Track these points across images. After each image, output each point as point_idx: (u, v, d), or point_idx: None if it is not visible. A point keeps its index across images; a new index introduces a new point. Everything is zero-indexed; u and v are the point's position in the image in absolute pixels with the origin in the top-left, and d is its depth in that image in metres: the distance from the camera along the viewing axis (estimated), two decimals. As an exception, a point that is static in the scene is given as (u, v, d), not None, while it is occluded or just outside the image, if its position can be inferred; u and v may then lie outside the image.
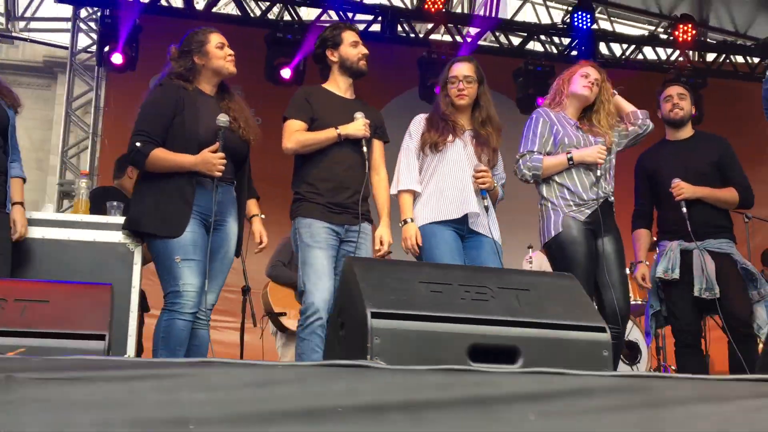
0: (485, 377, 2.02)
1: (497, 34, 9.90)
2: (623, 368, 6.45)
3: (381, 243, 4.51)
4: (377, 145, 4.64)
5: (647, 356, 6.41)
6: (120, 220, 4.38)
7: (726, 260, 4.83)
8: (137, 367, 1.95)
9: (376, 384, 1.96)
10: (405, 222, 4.57)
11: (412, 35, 9.51)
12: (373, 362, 2.13)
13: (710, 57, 10.36)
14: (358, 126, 4.46)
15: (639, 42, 10.09)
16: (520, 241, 7.71)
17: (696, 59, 10.16)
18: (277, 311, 6.57)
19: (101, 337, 2.71)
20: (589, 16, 9.36)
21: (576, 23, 9.37)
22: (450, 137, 4.57)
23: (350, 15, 9.53)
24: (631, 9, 11.09)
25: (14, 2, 10.23)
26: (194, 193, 4.07)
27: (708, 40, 10.44)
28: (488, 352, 2.31)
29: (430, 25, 10.08)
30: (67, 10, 10.02)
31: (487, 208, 4.49)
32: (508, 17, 10.81)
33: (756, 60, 10.26)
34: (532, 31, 9.76)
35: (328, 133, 4.44)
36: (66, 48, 9.59)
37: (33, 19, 10.65)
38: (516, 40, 9.92)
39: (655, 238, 5.17)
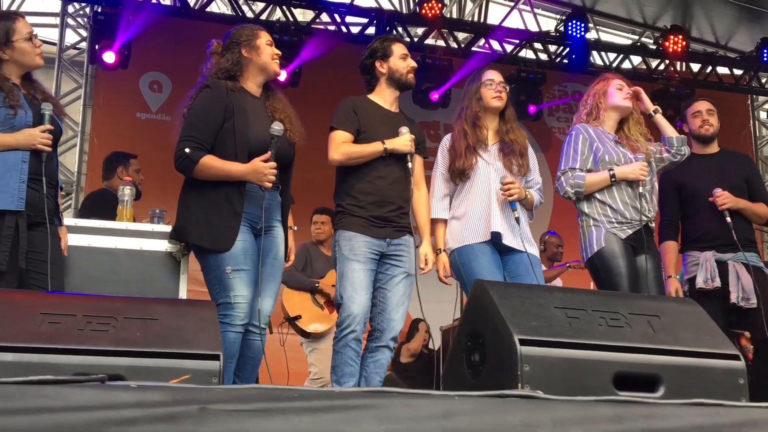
0: (654, 409, 2.04)
1: (490, 40, 9.94)
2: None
3: (425, 262, 4.55)
4: (418, 161, 4.67)
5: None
6: (166, 228, 4.32)
7: (758, 273, 4.92)
8: (321, 398, 1.93)
9: (552, 415, 1.97)
10: (437, 252, 4.65)
11: (407, 39, 9.50)
12: (541, 393, 2.14)
13: (695, 67, 10.53)
14: (405, 141, 4.47)
15: (630, 51, 10.21)
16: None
17: (682, 69, 10.33)
18: (293, 315, 6.55)
19: (215, 357, 2.67)
20: (583, 25, 9.46)
21: (570, 32, 9.46)
22: (474, 161, 4.60)
23: (345, 18, 9.49)
24: (616, 18, 11.23)
25: (-3, -5, 9.99)
26: (243, 203, 4.00)
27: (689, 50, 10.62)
28: (629, 380, 2.34)
29: (420, 30, 10.09)
30: (55, 4, 9.82)
31: (518, 220, 4.53)
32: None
33: (739, 72, 10.45)
34: (526, 38, 9.81)
35: (375, 147, 4.44)
36: (53, 44, 9.38)
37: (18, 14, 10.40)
38: (508, 48, 9.96)
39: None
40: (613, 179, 4.62)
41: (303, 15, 9.97)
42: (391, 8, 10.33)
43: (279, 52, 4.28)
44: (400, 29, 9.50)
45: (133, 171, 5.83)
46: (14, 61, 4.00)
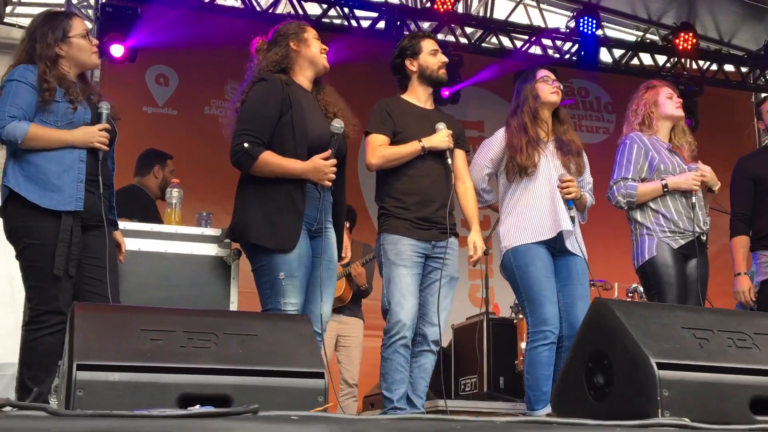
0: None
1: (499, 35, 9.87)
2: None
3: (474, 249, 4.50)
4: (459, 155, 4.62)
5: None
6: (216, 232, 4.23)
7: None
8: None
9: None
10: None
11: (418, 34, 9.41)
12: (687, 421, 2.09)
13: (702, 64, 10.53)
14: (442, 137, 4.44)
15: (639, 48, 10.19)
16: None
17: (690, 66, 10.32)
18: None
19: (320, 375, 2.60)
20: (594, 21, 9.42)
21: (581, 29, 9.42)
22: (537, 157, 4.57)
23: (355, 12, 9.38)
24: (621, 14, 11.19)
25: (-1, -15, 9.78)
26: (305, 202, 3.90)
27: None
28: (762, 404, 2.29)
29: (426, 24, 10.00)
30: (59, -6, 9.63)
31: (573, 219, 4.51)
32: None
33: (745, 69, 10.47)
34: (535, 34, 9.76)
35: (413, 147, 4.40)
36: (57, 34, 9.17)
37: (21, 4, 10.19)
38: (517, 43, 9.89)
39: None
40: (665, 189, 4.62)
41: (312, 9, 9.83)
42: (399, 2, 10.20)
43: (326, 47, 4.19)
44: (411, 24, 9.38)
45: (168, 172, 5.73)
46: (71, 58, 3.90)
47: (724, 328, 2.41)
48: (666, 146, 4.78)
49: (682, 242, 4.61)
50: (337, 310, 5.97)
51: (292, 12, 9.33)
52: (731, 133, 10.39)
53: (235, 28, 8.20)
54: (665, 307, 2.50)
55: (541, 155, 4.62)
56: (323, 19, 9.39)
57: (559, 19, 10.57)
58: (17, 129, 3.65)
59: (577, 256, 4.58)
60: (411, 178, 4.43)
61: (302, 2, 9.27)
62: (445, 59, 4.66)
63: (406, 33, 9.63)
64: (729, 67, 10.43)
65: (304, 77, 4.14)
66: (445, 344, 8.15)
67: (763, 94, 11.21)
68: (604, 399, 2.34)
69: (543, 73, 4.77)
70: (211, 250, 4.20)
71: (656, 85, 4.95)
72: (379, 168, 4.45)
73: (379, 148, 4.42)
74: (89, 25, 9.31)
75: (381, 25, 9.37)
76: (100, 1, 8.70)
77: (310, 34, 4.17)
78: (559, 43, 9.87)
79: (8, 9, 9.70)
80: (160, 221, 5.27)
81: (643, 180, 4.71)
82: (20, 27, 10.20)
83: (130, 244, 4.08)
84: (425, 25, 9.62)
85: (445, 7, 9.14)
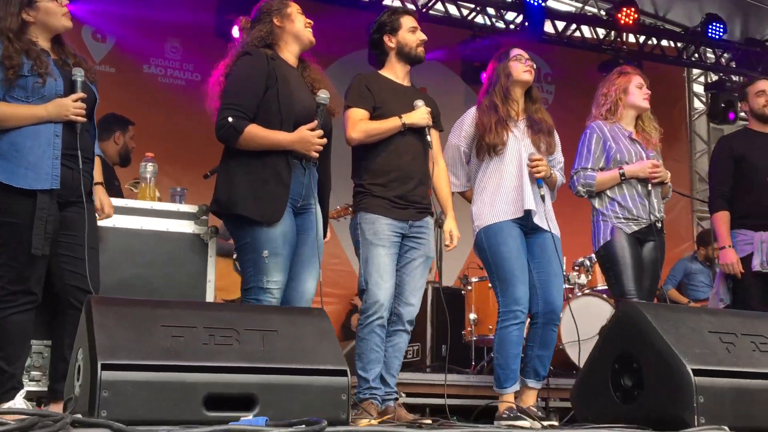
0: None
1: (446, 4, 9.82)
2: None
3: (451, 238, 4.51)
4: (434, 135, 4.60)
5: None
6: (192, 208, 4.13)
7: None
8: None
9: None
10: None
11: (364, -3, 9.31)
12: (726, 429, 2.14)
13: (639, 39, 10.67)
14: (422, 114, 4.42)
15: (583, 21, 10.29)
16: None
17: (627, 40, 10.46)
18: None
19: (343, 373, 2.58)
20: (541, -8, 9.44)
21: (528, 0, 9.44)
22: (506, 136, 4.60)
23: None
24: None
25: None
26: (291, 174, 3.85)
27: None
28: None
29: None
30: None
31: (543, 198, 4.57)
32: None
33: (681, 45, 10.67)
34: (482, 3, 9.74)
35: (393, 122, 4.37)
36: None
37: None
38: (464, 12, 9.87)
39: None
40: (623, 177, 4.75)
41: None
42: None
43: (311, 21, 4.11)
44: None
45: (129, 138, 5.53)
46: (40, 24, 3.70)
47: (745, 332, 2.47)
48: (628, 134, 4.88)
49: (635, 228, 4.74)
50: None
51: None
52: (665, 107, 10.56)
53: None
54: (690, 310, 2.55)
55: (510, 134, 4.64)
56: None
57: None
58: None
59: (549, 233, 4.63)
60: (390, 154, 4.39)
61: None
62: (424, 37, 4.59)
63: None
64: (665, 43, 10.62)
65: (289, 53, 4.07)
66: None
67: (695, 70, 11.54)
68: (632, 401, 2.38)
69: (516, 51, 4.78)
70: (187, 227, 4.10)
71: (629, 72, 5.04)
72: (359, 143, 4.39)
73: (360, 123, 4.37)
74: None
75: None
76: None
77: (294, 8, 4.09)
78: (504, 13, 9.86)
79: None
80: (118, 188, 5.11)
81: (601, 169, 4.81)
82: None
83: (104, 221, 3.94)
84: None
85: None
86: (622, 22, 9.78)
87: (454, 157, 4.73)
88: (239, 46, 4.05)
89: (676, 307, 2.56)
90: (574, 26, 10.26)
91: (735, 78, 10.82)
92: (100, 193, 3.86)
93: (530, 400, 4.66)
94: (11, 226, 3.52)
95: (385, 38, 4.56)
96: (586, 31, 10.43)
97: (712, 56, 10.95)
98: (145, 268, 3.99)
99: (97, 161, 3.90)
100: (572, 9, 10.92)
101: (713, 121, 11.15)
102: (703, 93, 11.61)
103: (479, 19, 9.82)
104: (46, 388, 3.79)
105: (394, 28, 4.56)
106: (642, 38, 10.38)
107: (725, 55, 10.81)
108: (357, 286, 4.41)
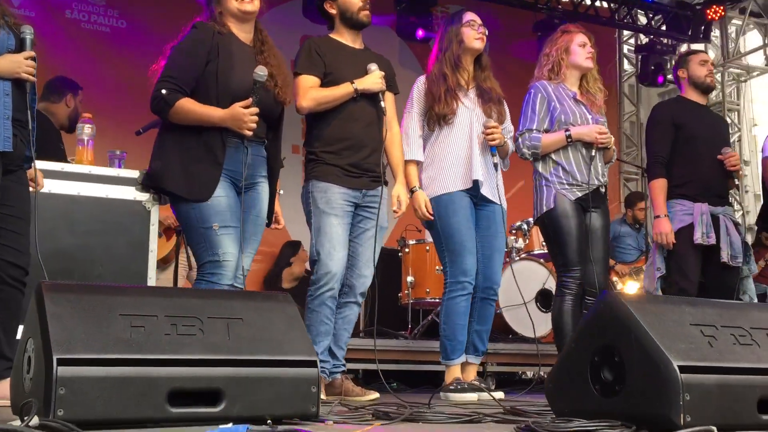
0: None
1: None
2: (538, 315, 6.73)
3: (399, 203, 4.41)
4: (389, 98, 4.50)
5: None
6: (133, 174, 3.92)
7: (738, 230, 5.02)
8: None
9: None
10: (412, 191, 4.50)
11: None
12: (715, 429, 2.10)
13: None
14: (375, 79, 4.30)
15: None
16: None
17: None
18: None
19: (313, 364, 2.46)
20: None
21: (465, -46, 9.30)
22: (455, 105, 4.51)
23: None
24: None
25: None
26: (225, 152, 3.72)
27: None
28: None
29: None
30: None
31: (496, 166, 4.50)
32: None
33: (614, 6, 10.69)
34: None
35: (345, 89, 4.24)
36: None
37: None
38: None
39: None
40: (569, 140, 4.62)
41: None
42: None
43: None
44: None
45: (79, 102, 5.23)
46: None
47: (725, 324, 2.43)
48: (572, 94, 4.76)
49: (579, 194, 4.62)
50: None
51: None
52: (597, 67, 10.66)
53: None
54: (670, 300, 2.49)
55: (460, 103, 4.55)
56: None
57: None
58: None
59: (496, 204, 4.57)
60: (342, 121, 4.26)
61: None
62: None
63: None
64: (598, 3, 10.62)
65: (239, 30, 3.92)
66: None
67: (626, 32, 11.60)
68: (613, 396, 2.32)
69: (469, 17, 4.65)
70: (128, 193, 3.88)
71: (571, 31, 4.89)
72: (310, 111, 4.24)
73: (310, 90, 4.21)
74: None
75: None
76: None
77: None
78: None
79: None
80: (63, 153, 4.85)
81: (546, 131, 4.68)
82: None
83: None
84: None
85: None
86: (558, -20, 9.73)
87: (415, 127, 4.60)
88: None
89: (658, 298, 2.51)
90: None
91: (665, 41, 10.91)
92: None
93: (471, 375, 4.63)
94: None
95: (327, 5, 4.44)
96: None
97: (644, 19, 11.00)
98: (84, 237, 3.78)
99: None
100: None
101: (643, 83, 11.23)
102: (633, 55, 11.68)
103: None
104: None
105: None
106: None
107: (656, 17, 10.86)
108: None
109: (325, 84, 4.27)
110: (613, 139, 4.80)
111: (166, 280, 5.88)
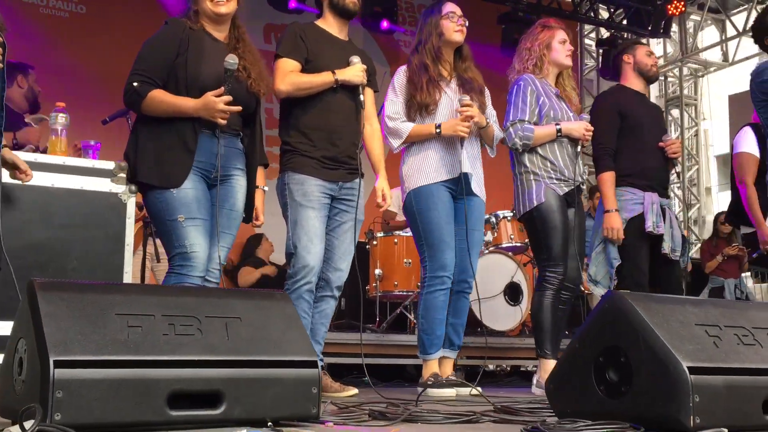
0: None
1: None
2: (506, 308, 6.74)
3: (383, 197, 4.37)
4: (369, 94, 4.45)
5: (527, 297, 6.72)
6: (109, 165, 3.81)
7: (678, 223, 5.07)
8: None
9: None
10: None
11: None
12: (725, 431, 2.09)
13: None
14: (356, 72, 4.25)
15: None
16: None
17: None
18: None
19: (313, 364, 2.40)
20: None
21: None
22: (437, 95, 4.48)
23: None
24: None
25: None
26: (197, 141, 3.68)
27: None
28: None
29: None
30: None
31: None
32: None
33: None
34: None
35: (325, 77, 4.18)
36: None
37: None
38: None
39: None
40: (559, 134, 4.62)
41: None
42: None
43: None
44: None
45: (33, 81, 5.08)
46: None
47: (728, 324, 2.42)
48: (555, 91, 4.78)
49: (566, 189, 4.65)
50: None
51: None
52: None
53: None
54: (674, 300, 2.47)
55: (442, 93, 4.53)
56: None
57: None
58: None
59: (477, 197, 4.56)
60: (320, 111, 4.19)
61: None
62: None
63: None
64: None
65: (213, 29, 3.88)
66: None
67: (588, 26, 11.66)
68: (619, 397, 2.30)
69: (449, 8, 4.62)
70: (103, 185, 3.77)
71: (552, 27, 4.89)
72: (287, 95, 4.17)
73: (290, 74, 4.15)
74: None
75: None
76: None
77: None
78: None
79: None
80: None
81: (534, 124, 4.67)
82: None
83: (9, 177, 3.57)
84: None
85: None
86: (521, -26, 9.74)
87: (396, 111, 4.56)
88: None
89: (662, 298, 2.49)
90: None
91: (626, 35, 10.99)
92: (8, 154, 3.48)
93: (447, 369, 4.61)
94: None
95: None
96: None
97: (606, 13, 11.07)
98: (58, 230, 3.65)
99: None
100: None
101: (604, 77, 11.31)
102: (594, 48, 11.75)
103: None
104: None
105: None
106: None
107: (618, 12, 10.94)
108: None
109: (305, 70, 4.20)
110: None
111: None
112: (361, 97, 4.23)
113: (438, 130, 4.43)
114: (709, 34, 12.82)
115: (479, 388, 3.95)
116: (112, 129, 5.49)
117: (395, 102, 4.55)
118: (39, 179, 3.65)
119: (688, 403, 2.15)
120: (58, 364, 2.04)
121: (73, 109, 7.36)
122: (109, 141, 4.72)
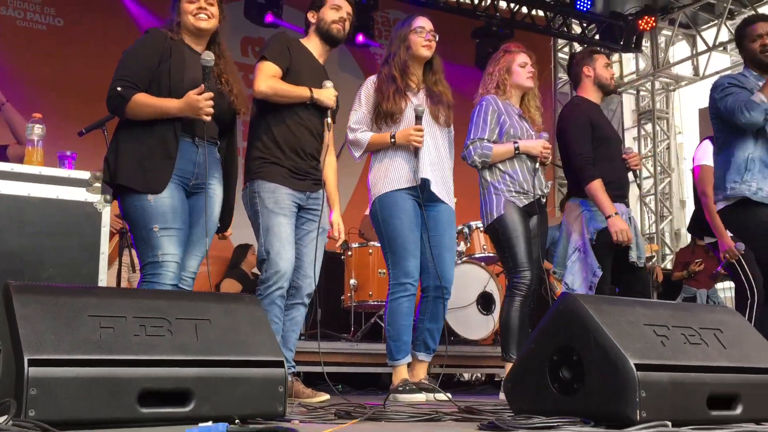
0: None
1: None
2: (479, 318, 6.85)
3: (339, 231, 4.54)
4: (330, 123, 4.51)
5: (499, 306, 6.82)
6: (84, 174, 3.88)
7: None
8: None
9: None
10: None
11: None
12: (669, 425, 2.20)
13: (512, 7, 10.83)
14: (330, 95, 4.39)
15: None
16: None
17: (500, 8, 10.60)
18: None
19: (280, 364, 2.50)
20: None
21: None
22: (403, 104, 4.60)
23: None
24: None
25: None
26: (178, 146, 3.78)
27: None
28: (716, 400, 2.46)
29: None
30: None
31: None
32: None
33: (550, 14, 10.91)
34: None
35: (302, 92, 4.31)
36: None
37: None
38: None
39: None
40: (517, 152, 4.78)
41: None
42: None
43: (202, 5, 3.94)
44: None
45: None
46: None
47: (675, 324, 2.54)
48: (517, 112, 4.95)
49: (526, 202, 4.82)
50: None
51: None
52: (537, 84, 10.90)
53: None
54: (625, 302, 2.59)
55: (408, 102, 4.64)
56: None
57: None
58: None
59: (444, 203, 4.67)
60: (293, 124, 4.31)
61: None
62: (344, 15, 4.47)
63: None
64: (535, 12, 10.84)
65: (193, 42, 3.99)
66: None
67: (561, 40, 11.83)
68: (572, 394, 2.41)
69: (419, 23, 4.74)
70: (79, 194, 3.84)
71: (513, 51, 5.06)
72: (264, 97, 4.26)
73: (271, 78, 4.26)
74: None
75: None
76: None
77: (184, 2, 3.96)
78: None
79: None
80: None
81: (494, 142, 4.83)
82: None
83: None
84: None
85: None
86: (496, -11, 9.89)
87: (359, 119, 4.68)
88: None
89: (613, 300, 2.60)
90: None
91: (599, 50, 11.16)
92: None
93: (421, 373, 4.71)
94: None
95: (309, 14, 4.53)
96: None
97: (579, 28, 11.25)
98: (34, 239, 3.71)
99: None
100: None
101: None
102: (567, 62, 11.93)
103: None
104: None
105: (319, 5, 4.52)
106: (514, 6, 10.52)
107: (590, 27, 11.12)
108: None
109: (284, 79, 4.31)
110: (550, 158, 4.96)
111: (108, 281, 5.83)
112: (329, 119, 4.35)
113: (393, 140, 4.55)
114: (680, 49, 13.04)
115: (448, 394, 4.04)
116: (87, 140, 5.57)
117: (358, 112, 4.68)
118: (15, 188, 3.73)
119: (635, 398, 2.26)
120: (33, 363, 2.12)
121: (50, 120, 7.48)
122: (85, 152, 4.79)
